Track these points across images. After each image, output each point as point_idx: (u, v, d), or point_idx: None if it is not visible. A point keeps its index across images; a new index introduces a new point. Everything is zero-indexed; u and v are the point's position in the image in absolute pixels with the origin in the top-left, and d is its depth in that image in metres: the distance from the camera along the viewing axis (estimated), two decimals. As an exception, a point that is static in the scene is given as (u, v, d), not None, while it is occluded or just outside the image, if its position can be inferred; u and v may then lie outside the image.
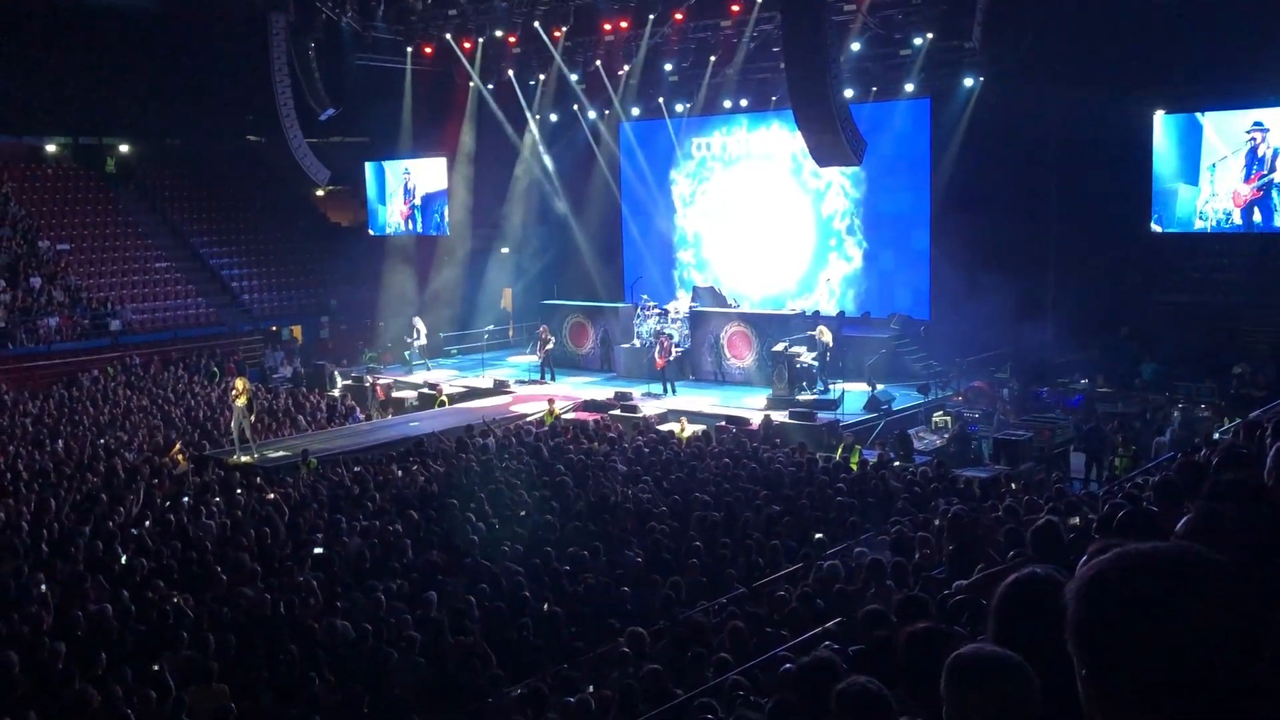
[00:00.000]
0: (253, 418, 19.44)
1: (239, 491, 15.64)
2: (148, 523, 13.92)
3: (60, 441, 19.67)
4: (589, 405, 22.97)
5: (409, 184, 34.88)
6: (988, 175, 24.10)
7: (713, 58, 27.61)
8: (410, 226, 35.10)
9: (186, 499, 15.14)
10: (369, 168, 35.61)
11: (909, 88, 25.62)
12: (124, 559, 12.26)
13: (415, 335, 28.55)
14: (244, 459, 18.39)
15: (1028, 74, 23.06)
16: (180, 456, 18.08)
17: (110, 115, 34.69)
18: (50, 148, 35.75)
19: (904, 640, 3.11)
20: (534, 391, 24.56)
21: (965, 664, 2.10)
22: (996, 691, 2.08)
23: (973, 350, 23.43)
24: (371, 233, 36.18)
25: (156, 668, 8.74)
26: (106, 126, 35.66)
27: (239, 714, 7.96)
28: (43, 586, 11.31)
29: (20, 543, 13.10)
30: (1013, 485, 14.61)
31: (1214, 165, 22.79)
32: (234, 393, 19.55)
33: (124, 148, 36.46)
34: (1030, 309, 22.92)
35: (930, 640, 3.00)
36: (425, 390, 25.42)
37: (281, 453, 19.01)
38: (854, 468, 16.07)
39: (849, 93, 23.68)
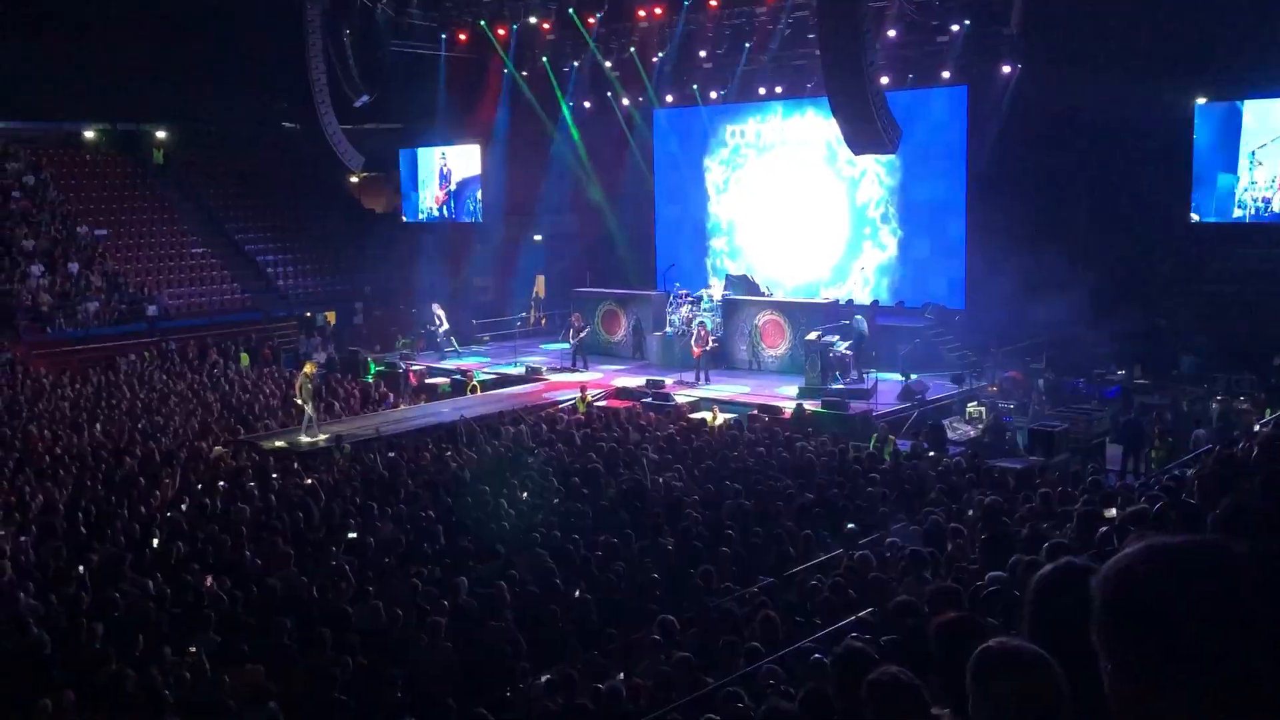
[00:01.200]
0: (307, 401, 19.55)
1: (274, 476, 15.76)
2: (184, 506, 14.07)
3: (98, 425, 19.88)
4: (621, 393, 22.98)
5: (444, 169, 34.99)
6: (1025, 164, 23.89)
7: (748, 44, 27.50)
8: (444, 213, 35.23)
9: (222, 483, 15.27)
10: (402, 154, 35.75)
11: (945, 75, 25.44)
12: (156, 542, 12.39)
13: (437, 322, 28.63)
14: (306, 439, 18.59)
15: (1067, 61, 22.81)
16: (218, 447, 18.17)
17: (147, 101, 34.98)
18: (88, 134, 36.16)
19: (935, 630, 3.08)
20: (566, 379, 24.60)
21: (991, 657, 2.10)
22: (1021, 685, 2.08)
23: (1008, 340, 23.24)
24: (405, 219, 36.35)
25: (193, 649, 8.83)
26: (144, 112, 35.99)
27: (273, 695, 8.04)
28: (81, 568, 11.47)
29: (59, 524, 13.29)
30: (1047, 477, 14.47)
31: (1254, 153, 22.49)
32: (302, 378, 19.72)
33: (161, 134, 36.82)
34: (1067, 299, 22.70)
35: (962, 630, 2.98)
36: (458, 377, 25.51)
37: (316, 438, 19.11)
38: (887, 458, 15.98)
39: (884, 80, 23.49)
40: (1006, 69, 24.60)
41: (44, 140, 35.06)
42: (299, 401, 19.42)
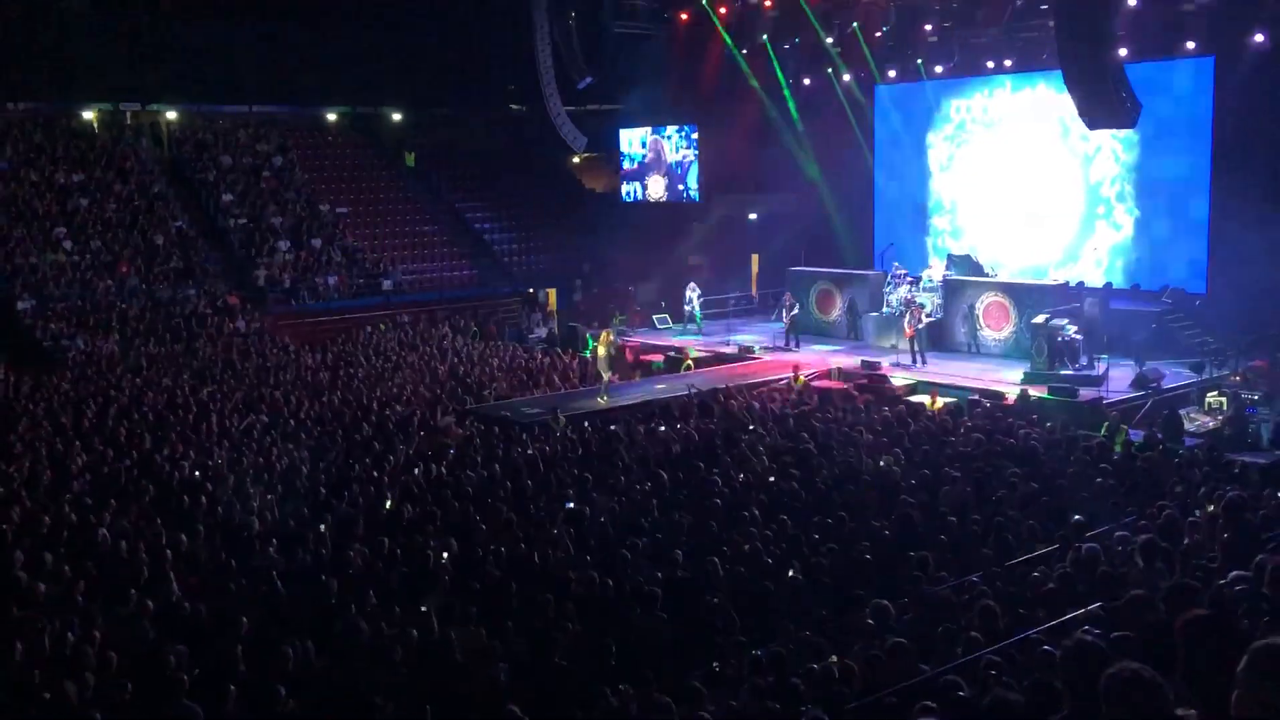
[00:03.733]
0: (611, 368, 20.87)
1: (498, 446, 16.30)
2: (415, 471, 14.76)
3: (337, 392, 21.04)
4: (835, 374, 22.71)
5: (661, 151, 35.33)
6: (1278, 140, 22.19)
7: (979, 13, 26.60)
8: (659, 194, 35.58)
9: (450, 450, 15.93)
10: (621, 135, 36.27)
11: (1191, 45, 23.93)
12: (389, 505, 13.05)
13: (690, 303, 28.86)
14: (601, 400, 20.15)
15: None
16: (447, 416, 18.91)
17: (384, 86, 36.80)
18: (330, 117, 38.29)
19: (1182, 628, 2.92)
20: (779, 358, 24.48)
21: (1273, 653, 1.98)
22: None
23: (1254, 327, 21.75)
24: (624, 199, 36.92)
25: (423, 608, 9.26)
26: (380, 96, 37.85)
27: (501, 657, 8.35)
28: (320, 526, 12.21)
29: (300, 484, 14.19)
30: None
31: None
32: (596, 343, 21.00)
33: (396, 116, 38.63)
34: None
35: (1212, 629, 2.81)
36: (672, 354, 25.77)
37: (535, 410, 19.71)
38: (1118, 448, 15.22)
39: (1123, 51, 22.34)
40: (1260, 38, 22.90)
41: (291, 123, 37.36)
42: (606, 366, 20.77)
